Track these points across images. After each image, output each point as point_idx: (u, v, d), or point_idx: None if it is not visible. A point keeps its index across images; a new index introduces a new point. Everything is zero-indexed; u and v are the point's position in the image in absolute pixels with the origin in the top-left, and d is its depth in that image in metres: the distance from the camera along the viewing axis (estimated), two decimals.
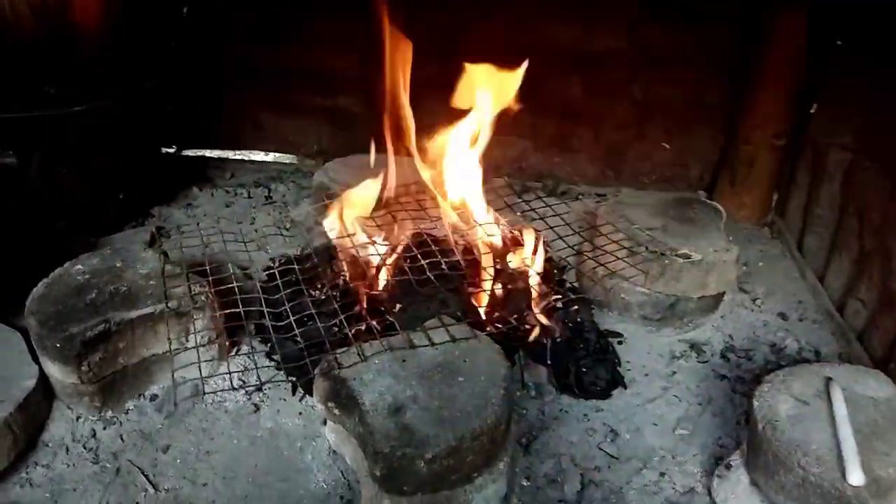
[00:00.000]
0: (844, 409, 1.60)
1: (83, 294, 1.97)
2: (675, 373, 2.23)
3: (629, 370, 2.22)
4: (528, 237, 2.21)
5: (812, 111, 2.76)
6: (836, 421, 1.58)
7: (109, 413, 1.97)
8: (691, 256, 2.21)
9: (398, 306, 2.06)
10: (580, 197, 3.17)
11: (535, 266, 2.16)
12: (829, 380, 1.70)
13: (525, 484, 1.83)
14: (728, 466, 1.74)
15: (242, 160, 3.60)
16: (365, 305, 2.01)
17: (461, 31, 3.00)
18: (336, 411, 1.69)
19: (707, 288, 2.30)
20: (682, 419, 2.05)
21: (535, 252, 2.27)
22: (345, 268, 2.16)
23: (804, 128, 2.81)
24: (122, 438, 1.93)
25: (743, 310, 2.52)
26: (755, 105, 2.85)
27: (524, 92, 3.13)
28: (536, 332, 2.08)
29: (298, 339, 1.90)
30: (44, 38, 2.31)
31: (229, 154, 3.65)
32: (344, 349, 1.76)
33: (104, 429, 1.95)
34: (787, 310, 2.53)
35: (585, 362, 2.12)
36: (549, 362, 2.09)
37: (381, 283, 2.12)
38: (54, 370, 1.90)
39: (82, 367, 1.86)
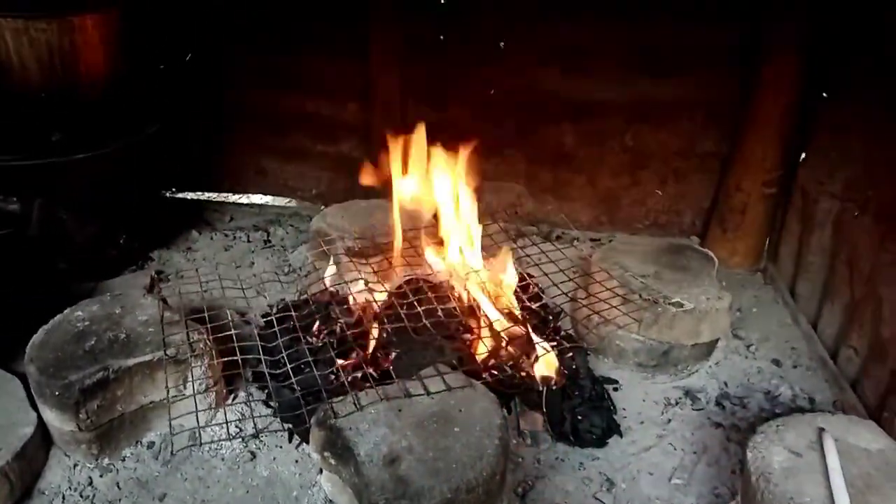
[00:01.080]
0: (837, 461, 1.61)
1: (82, 341, 1.98)
2: (670, 420, 2.23)
3: (625, 417, 2.23)
4: (522, 284, 2.25)
5: (801, 159, 2.82)
6: (830, 473, 1.58)
7: (106, 460, 1.98)
8: (684, 305, 2.24)
9: (394, 353, 2.08)
10: (575, 243, 3.21)
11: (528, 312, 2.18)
12: (821, 430, 1.71)
13: None
14: None
15: (241, 203, 3.65)
16: (361, 353, 2.03)
17: (459, 77, 3.10)
18: (332, 461, 1.70)
19: (701, 335, 2.32)
20: (677, 468, 2.05)
21: (529, 299, 2.30)
22: (341, 315, 2.18)
23: (794, 176, 2.86)
24: (118, 486, 1.92)
25: (737, 356, 2.54)
26: (746, 153, 2.90)
27: (519, 139, 3.23)
28: (534, 379, 2.10)
29: (295, 386, 1.92)
30: (49, 88, 2.38)
31: (229, 197, 3.70)
32: (340, 398, 1.77)
33: (101, 476, 1.95)
34: (781, 356, 2.55)
35: (581, 410, 2.14)
36: (544, 410, 2.10)
37: (378, 330, 2.14)
38: (52, 417, 1.90)
39: (80, 415, 1.87)
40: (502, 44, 2.98)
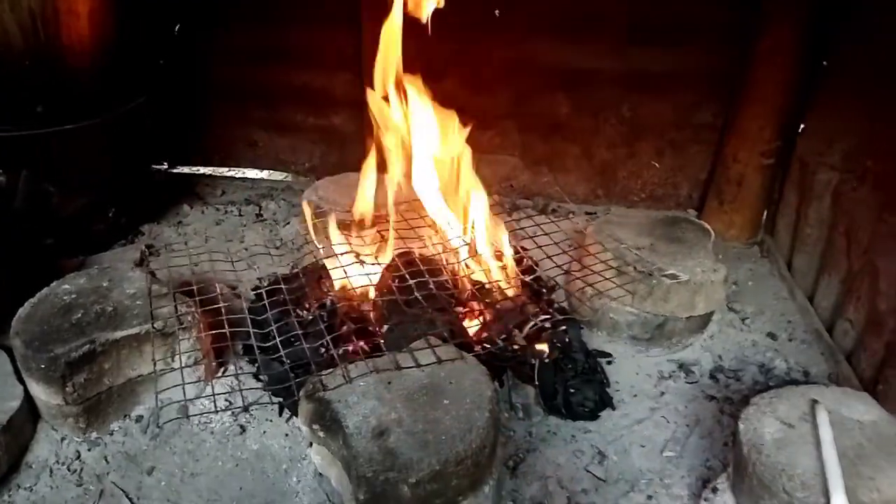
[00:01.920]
0: (830, 432, 1.59)
1: (69, 314, 1.96)
2: (663, 393, 2.22)
3: (618, 391, 2.21)
4: (517, 256, 2.22)
5: (800, 130, 2.78)
6: (822, 445, 1.57)
7: (94, 434, 1.96)
8: (679, 277, 2.21)
9: (385, 326, 2.05)
10: (570, 215, 3.17)
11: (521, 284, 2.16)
12: (814, 402, 1.70)
13: None
14: (714, 490, 1.74)
15: (233, 177, 3.60)
16: (352, 326, 2.01)
17: (453, 47, 3.03)
18: (321, 434, 1.68)
19: (695, 308, 2.30)
20: (669, 441, 2.04)
21: (523, 272, 2.27)
22: (332, 287, 2.15)
23: (793, 147, 2.82)
24: (106, 460, 1.91)
25: (732, 329, 2.52)
26: (743, 123, 2.86)
27: (512, 109, 3.17)
28: (526, 352, 2.08)
29: (284, 359, 1.90)
30: (33, 57, 2.32)
31: (221, 171, 3.66)
32: (330, 370, 1.76)
33: (89, 450, 1.93)
34: (777, 329, 2.53)
35: (573, 383, 2.12)
36: (536, 383, 2.09)
37: (369, 302, 2.12)
38: (39, 391, 1.88)
39: (67, 388, 1.85)
40: (497, 12, 2.91)
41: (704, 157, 3.12)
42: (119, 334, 1.92)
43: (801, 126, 2.78)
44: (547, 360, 2.10)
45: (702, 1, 2.78)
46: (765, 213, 3.04)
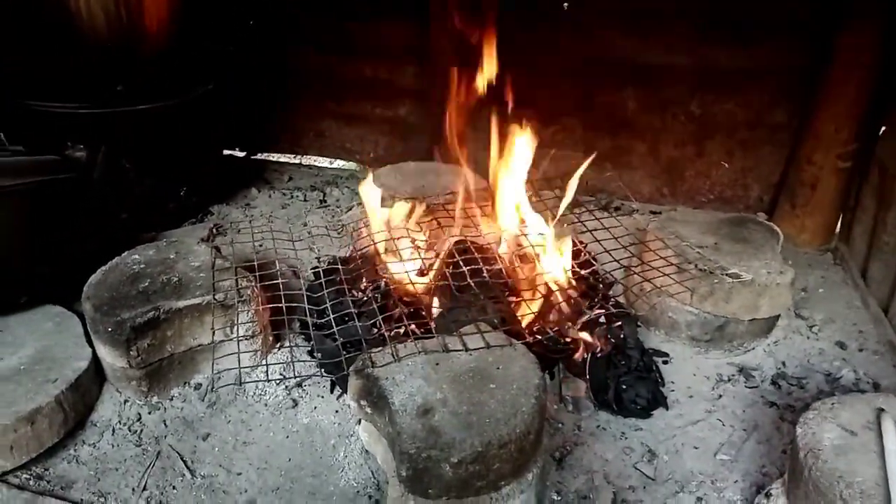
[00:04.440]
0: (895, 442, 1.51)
1: (137, 282, 2.05)
2: (720, 396, 2.15)
3: (673, 391, 2.16)
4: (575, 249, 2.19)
5: (881, 133, 2.64)
6: (886, 455, 1.49)
7: (155, 398, 2.04)
8: (741, 276, 2.14)
9: (437, 311, 2.06)
10: (634, 213, 3.11)
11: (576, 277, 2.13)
12: (880, 411, 1.61)
13: (555, 498, 1.80)
14: (768, 495, 1.67)
15: (301, 164, 3.70)
16: (404, 308, 2.02)
17: (519, 40, 3.02)
18: (367, 409, 1.71)
19: (759, 310, 2.22)
20: (725, 444, 1.98)
21: (581, 265, 2.24)
22: (387, 270, 2.18)
23: (872, 150, 2.69)
24: (165, 424, 1.99)
25: (798, 336, 2.42)
26: (819, 124, 2.74)
27: (578, 104, 3.13)
28: (578, 345, 2.05)
29: (337, 336, 1.93)
30: (115, 39, 2.44)
31: (289, 158, 3.76)
32: (379, 349, 1.78)
33: (149, 413, 2.02)
34: (847, 339, 2.41)
35: (626, 379, 2.08)
36: (587, 377, 2.05)
37: (422, 287, 2.13)
38: (105, 353, 1.98)
39: (131, 352, 1.93)
40: (566, 4, 2.89)
41: (777, 158, 3.00)
42: (182, 303, 2.00)
43: (882, 129, 2.64)
44: (599, 355, 2.06)
45: None
46: (839, 218, 2.91)
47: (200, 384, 2.10)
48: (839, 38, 2.59)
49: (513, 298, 2.15)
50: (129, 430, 1.96)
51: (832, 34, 2.62)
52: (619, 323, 2.18)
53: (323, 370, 2.06)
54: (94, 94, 2.51)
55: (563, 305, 2.09)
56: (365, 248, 2.40)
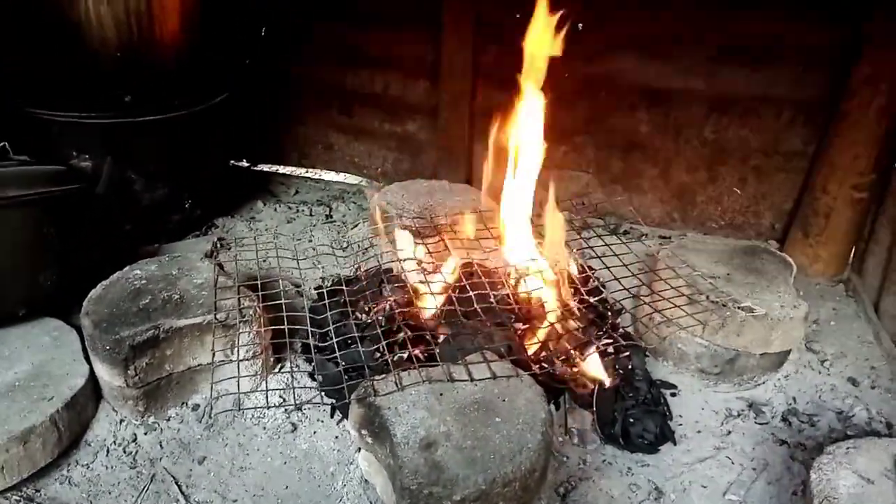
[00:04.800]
0: None
1: (138, 298, 2.01)
2: (730, 432, 2.10)
3: (680, 425, 2.10)
4: (583, 276, 2.15)
5: None
6: None
7: (151, 419, 2.00)
8: (755, 310, 2.09)
9: (442, 336, 2.02)
10: (643, 238, 3.07)
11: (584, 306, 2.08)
12: None
13: None
14: None
15: (308, 178, 3.67)
16: (408, 333, 1.98)
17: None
18: (368, 439, 1.66)
19: (771, 345, 2.17)
20: (733, 484, 1.92)
21: (589, 293, 2.20)
22: (392, 293, 2.14)
23: (888, 181, 2.64)
24: (161, 445, 1.95)
25: (809, 371, 2.37)
26: (835, 153, 2.70)
27: (589, 125, 3.09)
28: (584, 375, 2.01)
29: (340, 361, 1.89)
30: (124, 49, 2.42)
31: (296, 171, 3.73)
32: (382, 376, 1.73)
33: (145, 434, 1.97)
34: (859, 375, 2.36)
35: (634, 412, 2.03)
36: (594, 409, 2.01)
37: (427, 311, 2.09)
38: (103, 371, 1.94)
39: (129, 371, 1.89)
40: (580, 25, 2.85)
41: (790, 186, 2.96)
42: (183, 322, 1.96)
43: None
44: (607, 386, 2.02)
45: (796, 22, 2.65)
46: (853, 249, 2.86)
47: (198, 405, 2.05)
48: (858, 67, 2.55)
49: (519, 325, 2.11)
50: (124, 452, 1.92)
51: (851, 62, 2.58)
52: (628, 353, 2.14)
53: (324, 396, 2.02)
54: (101, 104, 2.48)
55: (571, 335, 2.05)
56: (370, 268, 2.37)
